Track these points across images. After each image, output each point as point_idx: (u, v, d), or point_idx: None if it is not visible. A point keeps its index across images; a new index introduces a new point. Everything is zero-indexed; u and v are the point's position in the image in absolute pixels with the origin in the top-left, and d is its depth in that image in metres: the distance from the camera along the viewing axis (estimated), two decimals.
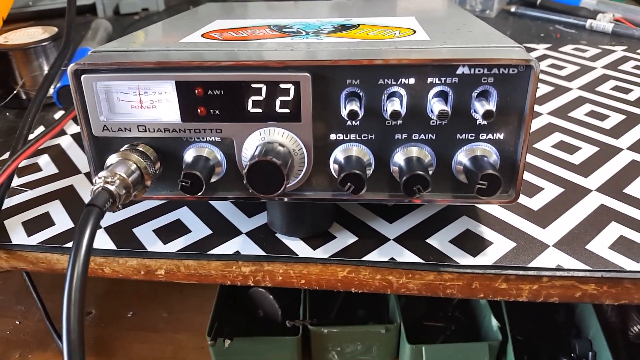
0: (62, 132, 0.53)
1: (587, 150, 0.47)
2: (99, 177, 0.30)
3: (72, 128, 0.54)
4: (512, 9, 0.90)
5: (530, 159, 0.46)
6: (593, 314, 0.63)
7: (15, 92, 0.60)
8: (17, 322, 0.55)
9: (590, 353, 0.59)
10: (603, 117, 0.53)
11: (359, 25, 0.39)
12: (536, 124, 0.52)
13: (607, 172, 0.44)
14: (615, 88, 0.60)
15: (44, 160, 0.49)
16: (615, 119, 0.53)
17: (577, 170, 0.44)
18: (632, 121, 0.53)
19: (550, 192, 0.42)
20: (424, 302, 0.74)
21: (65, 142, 0.52)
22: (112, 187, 0.29)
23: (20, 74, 0.61)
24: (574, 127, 0.52)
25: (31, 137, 0.50)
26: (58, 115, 0.58)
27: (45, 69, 0.62)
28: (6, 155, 0.50)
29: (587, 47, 0.74)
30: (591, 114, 0.54)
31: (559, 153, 0.47)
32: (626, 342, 0.61)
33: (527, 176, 0.43)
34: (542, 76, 0.64)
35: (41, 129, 0.55)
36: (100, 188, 0.29)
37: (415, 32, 0.36)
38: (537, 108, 0.56)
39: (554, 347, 0.67)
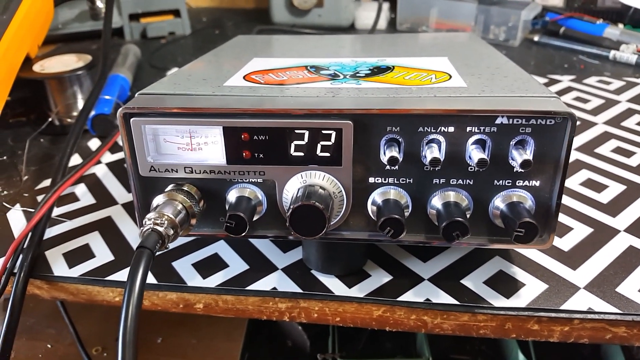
0: (98, 161, 0.55)
1: (615, 189, 0.48)
2: (149, 218, 0.31)
3: (107, 157, 0.56)
4: (535, 38, 0.90)
5: None
6: (619, 351, 0.63)
7: (50, 119, 0.62)
8: (49, 346, 0.56)
9: None
10: (629, 154, 0.54)
11: (394, 67, 0.40)
12: None
13: (634, 211, 0.45)
14: None
15: (81, 190, 0.50)
16: None
17: (606, 210, 0.45)
18: None
19: (580, 232, 0.42)
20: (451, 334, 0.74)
21: (101, 171, 0.53)
22: (161, 229, 0.30)
23: (55, 101, 0.63)
24: (600, 164, 0.52)
25: (69, 165, 0.51)
26: (92, 142, 0.60)
27: (79, 96, 0.63)
28: (44, 183, 0.51)
29: (611, 79, 0.74)
30: (617, 150, 0.55)
31: (587, 191, 0.48)
32: None
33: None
34: None
35: (77, 157, 0.56)
36: (150, 230, 0.30)
37: (451, 77, 0.37)
38: None
39: None
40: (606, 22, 0.89)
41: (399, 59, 0.44)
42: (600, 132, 0.59)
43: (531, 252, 0.40)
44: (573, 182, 0.49)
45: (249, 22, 1.08)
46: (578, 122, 0.61)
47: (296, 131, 0.32)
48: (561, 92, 0.70)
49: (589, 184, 0.49)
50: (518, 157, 0.31)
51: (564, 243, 0.41)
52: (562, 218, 0.44)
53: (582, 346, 0.72)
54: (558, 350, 0.71)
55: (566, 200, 0.46)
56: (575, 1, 1.00)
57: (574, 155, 0.54)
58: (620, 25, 0.89)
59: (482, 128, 0.31)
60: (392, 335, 0.74)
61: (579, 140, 0.57)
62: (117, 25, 0.98)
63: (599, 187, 0.48)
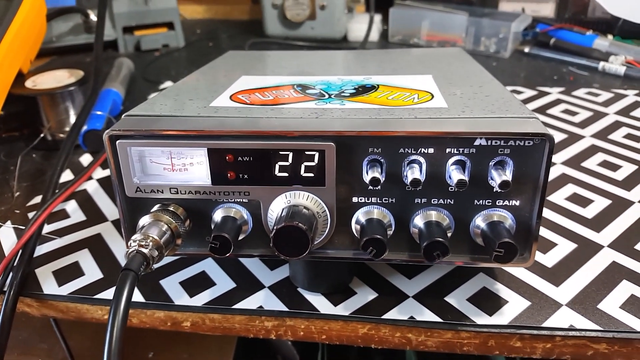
0: (89, 177, 0.55)
1: (600, 203, 0.48)
2: (134, 240, 0.31)
3: (98, 173, 0.56)
4: (526, 50, 0.91)
5: (545, 212, 0.47)
6: None
7: (42, 135, 0.63)
8: None
9: None
10: (615, 168, 0.55)
11: (378, 86, 0.41)
12: (550, 175, 0.53)
13: (618, 227, 0.45)
14: (627, 136, 0.61)
15: (72, 207, 0.50)
16: (627, 169, 0.54)
17: (590, 225, 0.45)
18: None
19: (564, 248, 0.43)
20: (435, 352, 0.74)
21: (92, 187, 0.54)
22: (145, 250, 0.31)
23: (47, 117, 0.63)
24: (586, 178, 0.53)
25: (61, 181, 0.52)
26: (84, 158, 0.60)
27: (71, 112, 0.64)
28: (35, 199, 0.52)
29: (600, 90, 0.75)
30: (604, 164, 0.55)
31: (572, 206, 0.48)
32: None
33: (542, 231, 0.45)
34: (556, 123, 0.65)
35: (68, 172, 0.57)
36: (135, 252, 0.31)
37: (433, 96, 0.38)
38: None
39: None
40: (596, 34, 0.90)
41: (384, 78, 0.44)
42: (588, 146, 0.59)
43: (514, 269, 0.40)
44: (558, 196, 0.50)
45: (243, 35, 1.09)
46: (566, 136, 0.62)
47: (280, 152, 0.33)
48: (550, 105, 0.70)
49: (574, 198, 0.49)
50: (497, 177, 0.31)
51: (548, 259, 0.41)
52: (547, 233, 0.44)
53: None
54: None
55: (551, 215, 0.47)
56: (566, 12, 1.01)
57: (561, 170, 0.54)
58: (610, 37, 0.90)
59: (461, 149, 0.32)
60: (382, 349, 0.74)
61: (566, 154, 0.58)
62: (111, 38, 0.99)
63: (585, 202, 0.49)
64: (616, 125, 0.64)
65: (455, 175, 0.32)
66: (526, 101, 0.72)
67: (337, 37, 1.00)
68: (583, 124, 0.65)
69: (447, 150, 0.32)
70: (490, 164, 0.32)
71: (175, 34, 1.02)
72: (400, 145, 0.32)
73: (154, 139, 0.33)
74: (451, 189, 0.33)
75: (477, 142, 0.31)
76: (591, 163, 0.56)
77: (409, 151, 0.32)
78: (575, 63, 0.86)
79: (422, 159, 0.32)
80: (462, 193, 0.33)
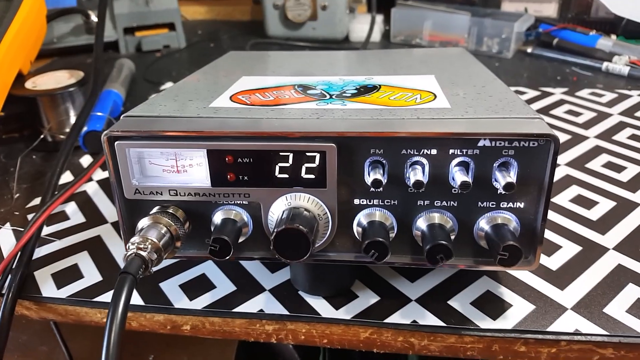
0: (89, 179, 0.55)
1: (605, 205, 0.48)
2: (132, 243, 0.31)
3: (98, 174, 0.56)
4: (529, 50, 0.91)
5: (549, 214, 0.47)
6: None
7: (42, 136, 0.62)
8: None
9: None
10: (620, 169, 0.54)
11: (380, 86, 0.41)
12: (555, 177, 0.53)
13: (623, 229, 0.45)
14: (632, 137, 0.61)
15: (72, 208, 0.50)
16: (631, 170, 0.54)
17: (595, 227, 0.45)
18: None
19: (569, 250, 0.42)
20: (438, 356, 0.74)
21: (92, 189, 0.53)
22: (144, 253, 0.30)
23: (47, 118, 0.63)
24: (591, 180, 0.52)
25: (60, 182, 0.51)
26: (84, 159, 0.60)
27: (72, 113, 0.64)
28: (35, 201, 0.51)
29: (604, 91, 0.74)
30: (608, 165, 0.55)
31: (577, 208, 0.48)
32: None
33: (547, 233, 0.44)
34: (560, 124, 0.64)
35: (68, 174, 0.56)
36: (133, 255, 0.30)
37: (435, 97, 0.37)
38: None
39: None
40: (599, 34, 0.89)
41: (386, 78, 0.44)
42: (592, 147, 0.59)
43: (519, 272, 0.40)
44: (563, 198, 0.49)
45: (245, 35, 1.08)
46: (569, 137, 0.61)
47: (280, 153, 0.32)
48: (553, 105, 0.70)
49: (578, 200, 0.49)
50: (501, 179, 0.31)
51: (552, 262, 0.41)
52: (551, 236, 0.44)
53: None
54: None
55: (555, 217, 0.46)
56: (569, 12, 1.01)
57: (565, 171, 0.54)
58: (613, 37, 0.90)
59: (464, 150, 0.31)
60: (384, 355, 0.74)
61: (570, 155, 0.57)
62: (112, 38, 0.99)
63: (589, 204, 0.48)
64: (620, 126, 0.64)
65: (458, 177, 0.31)
66: (529, 102, 0.71)
67: (339, 38, 0.99)
68: (587, 125, 0.64)
69: (451, 151, 0.31)
70: (494, 165, 0.32)
71: (177, 35, 1.02)
72: (402, 146, 0.32)
73: (153, 140, 0.33)
74: (454, 190, 0.33)
75: (480, 143, 0.31)
76: (595, 164, 0.55)
77: (412, 152, 0.32)
78: (579, 63, 0.85)
79: (424, 161, 0.32)
80: (465, 195, 0.33)
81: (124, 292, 0.28)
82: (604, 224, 0.45)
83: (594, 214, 0.47)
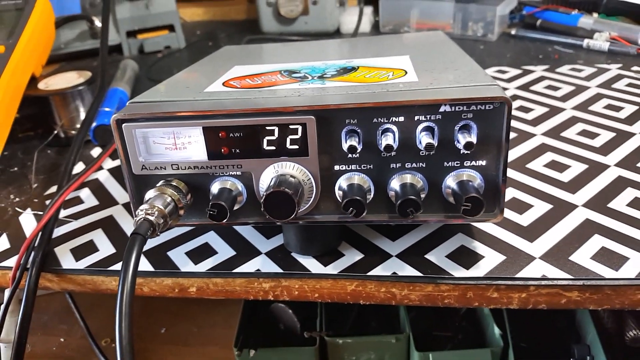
0: (99, 167, 0.59)
1: (577, 168, 0.52)
2: (141, 209, 0.35)
3: (108, 163, 0.61)
4: (513, 32, 0.94)
5: (523, 178, 0.50)
6: (590, 320, 0.66)
7: (55, 132, 0.67)
8: (62, 340, 0.61)
9: (588, 357, 0.62)
10: (594, 136, 0.58)
11: (358, 67, 0.45)
12: (530, 145, 0.57)
13: (593, 188, 0.48)
14: (608, 106, 0.64)
15: (85, 194, 0.55)
16: (605, 136, 0.57)
17: (566, 188, 0.49)
18: (621, 138, 0.57)
19: (539, 208, 0.46)
20: (433, 313, 0.79)
21: (103, 176, 0.58)
22: (152, 218, 0.35)
23: (59, 115, 0.68)
24: (565, 147, 0.56)
25: (74, 172, 0.56)
26: (94, 151, 0.64)
27: (81, 110, 0.68)
28: (52, 189, 0.56)
29: (584, 66, 0.78)
30: (583, 132, 0.58)
31: (550, 172, 0.51)
32: (622, 346, 0.64)
33: (519, 194, 0.48)
34: (538, 98, 0.68)
35: (80, 164, 0.61)
36: (142, 219, 0.35)
37: (406, 73, 0.41)
38: (531, 129, 0.60)
39: (555, 353, 0.70)
40: (581, 12, 0.92)
41: (365, 60, 0.48)
42: (568, 117, 0.62)
43: (492, 228, 0.44)
44: (537, 163, 0.53)
45: (241, 33, 1.12)
46: (547, 109, 0.65)
47: (267, 127, 0.36)
48: (534, 82, 0.73)
49: (552, 165, 0.52)
50: (462, 139, 0.35)
51: (524, 219, 0.45)
52: (524, 197, 0.48)
53: (557, 319, 0.75)
54: (534, 324, 0.75)
55: (529, 180, 0.50)
56: None
57: (541, 140, 0.57)
58: (595, 15, 0.93)
59: (428, 116, 0.35)
60: (377, 316, 0.79)
61: (546, 125, 0.61)
62: (115, 42, 1.03)
63: (562, 168, 0.52)
64: (597, 97, 0.67)
65: (424, 139, 0.35)
66: (510, 79, 0.75)
67: (330, 30, 1.03)
68: (565, 98, 0.68)
69: (416, 117, 0.35)
70: (456, 128, 0.36)
71: (176, 36, 1.06)
72: (373, 115, 0.36)
73: (156, 121, 0.37)
74: (422, 153, 0.37)
75: (442, 109, 0.35)
76: (570, 133, 0.59)
77: (382, 120, 0.36)
78: (561, 42, 0.88)
79: (394, 127, 0.36)
80: (432, 156, 0.37)
81: (135, 249, 0.33)
82: (575, 185, 0.49)
83: (566, 177, 0.50)
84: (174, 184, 0.38)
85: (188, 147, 0.38)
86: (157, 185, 0.38)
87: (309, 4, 1.00)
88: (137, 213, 0.35)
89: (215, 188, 0.39)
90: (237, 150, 0.37)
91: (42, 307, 0.60)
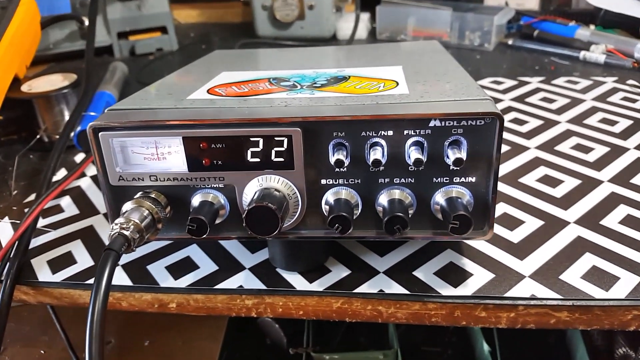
0: (82, 174, 0.58)
1: (570, 184, 0.51)
2: (116, 223, 0.34)
3: (91, 170, 0.59)
4: (510, 42, 0.93)
5: (515, 193, 0.49)
6: (580, 337, 0.65)
7: (38, 136, 0.65)
8: (42, 352, 0.59)
9: None
10: (587, 150, 0.57)
11: (349, 77, 0.43)
12: (523, 158, 0.56)
13: (586, 204, 0.47)
14: (603, 120, 0.63)
15: (66, 202, 0.53)
16: (599, 151, 0.56)
17: (558, 204, 0.47)
18: (615, 153, 0.56)
19: (531, 225, 0.45)
20: (423, 328, 0.78)
21: (85, 183, 0.56)
22: (127, 232, 0.33)
23: (43, 119, 0.66)
24: (559, 161, 0.55)
25: (55, 179, 0.55)
26: (78, 157, 0.63)
27: (66, 113, 0.67)
28: (32, 197, 0.54)
29: (579, 78, 0.77)
30: (577, 147, 0.57)
31: (542, 187, 0.50)
32: None
33: (510, 210, 0.47)
34: (533, 110, 0.67)
35: (63, 170, 0.59)
36: (117, 234, 0.33)
37: (398, 84, 0.40)
38: (525, 142, 0.59)
39: None
40: (578, 24, 0.92)
41: (356, 70, 0.47)
42: (563, 130, 0.61)
43: (481, 245, 0.43)
44: (530, 178, 0.52)
45: (235, 37, 1.11)
46: (542, 122, 0.64)
47: (251, 139, 0.35)
48: (529, 94, 0.72)
49: (545, 179, 0.51)
50: (452, 155, 0.34)
51: (514, 235, 0.44)
52: (515, 212, 0.46)
53: (547, 336, 0.74)
54: (525, 341, 0.74)
55: (521, 195, 0.49)
56: (551, 4, 1.03)
57: (534, 154, 0.56)
58: (592, 27, 0.92)
59: (417, 131, 0.34)
60: (366, 332, 0.77)
61: (540, 138, 0.60)
62: (106, 43, 1.02)
63: (555, 183, 0.51)
64: (592, 111, 0.66)
65: (413, 154, 0.34)
66: (505, 90, 0.74)
67: (326, 36, 1.02)
68: (560, 110, 0.67)
69: (405, 132, 0.34)
70: (446, 143, 0.34)
71: (169, 38, 1.05)
72: (362, 128, 0.34)
73: (133, 130, 0.35)
74: (411, 168, 0.35)
75: (432, 124, 0.34)
76: (564, 146, 0.58)
77: (371, 134, 0.35)
78: (558, 53, 0.88)
79: (383, 141, 0.35)
80: (421, 172, 0.35)
81: (108, 266, 0.31)
82: (567, 201, 0.48)
83: (559, 192, 0.49)
84: (153, 196, 0.37)
85: (168, 157, 0.36)
86: (135, 197, 0.37)
87: (305, 9, 0.99)
88: (112, 227, 0.34)
89: (196, 201, 0.37)
90: (220, 162, 0.36)
91: (24, 317, 0.58)
